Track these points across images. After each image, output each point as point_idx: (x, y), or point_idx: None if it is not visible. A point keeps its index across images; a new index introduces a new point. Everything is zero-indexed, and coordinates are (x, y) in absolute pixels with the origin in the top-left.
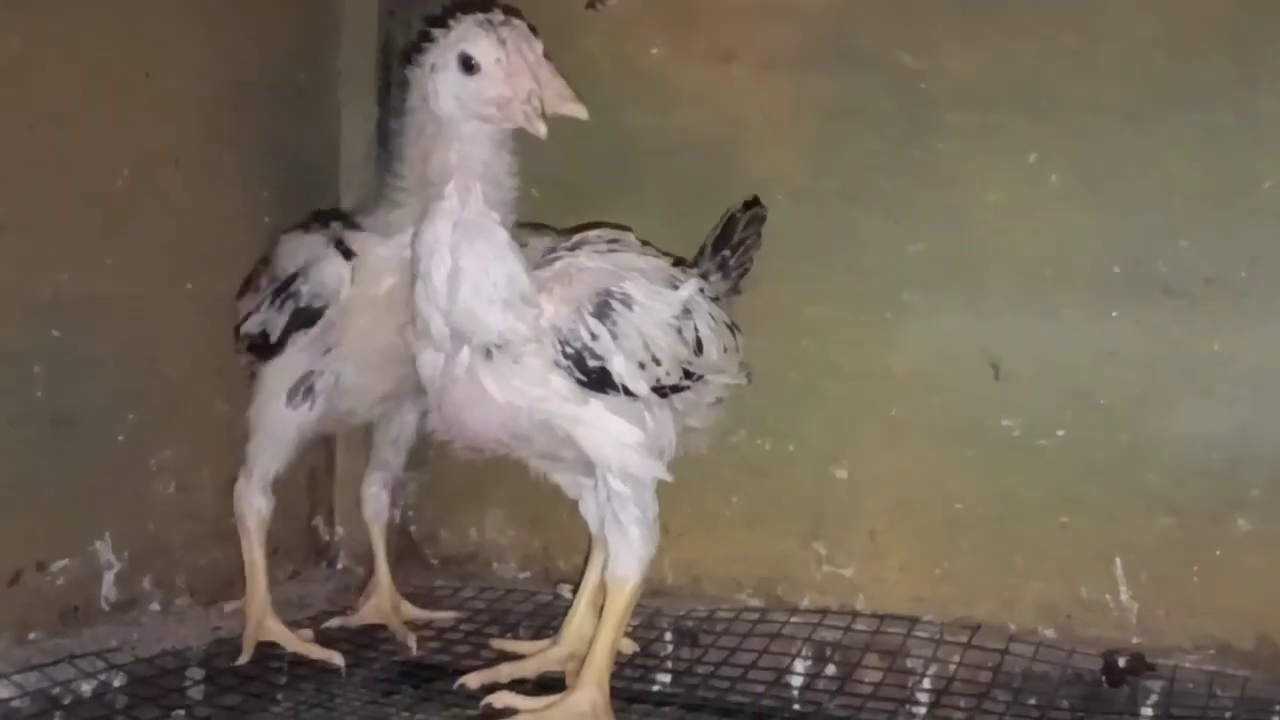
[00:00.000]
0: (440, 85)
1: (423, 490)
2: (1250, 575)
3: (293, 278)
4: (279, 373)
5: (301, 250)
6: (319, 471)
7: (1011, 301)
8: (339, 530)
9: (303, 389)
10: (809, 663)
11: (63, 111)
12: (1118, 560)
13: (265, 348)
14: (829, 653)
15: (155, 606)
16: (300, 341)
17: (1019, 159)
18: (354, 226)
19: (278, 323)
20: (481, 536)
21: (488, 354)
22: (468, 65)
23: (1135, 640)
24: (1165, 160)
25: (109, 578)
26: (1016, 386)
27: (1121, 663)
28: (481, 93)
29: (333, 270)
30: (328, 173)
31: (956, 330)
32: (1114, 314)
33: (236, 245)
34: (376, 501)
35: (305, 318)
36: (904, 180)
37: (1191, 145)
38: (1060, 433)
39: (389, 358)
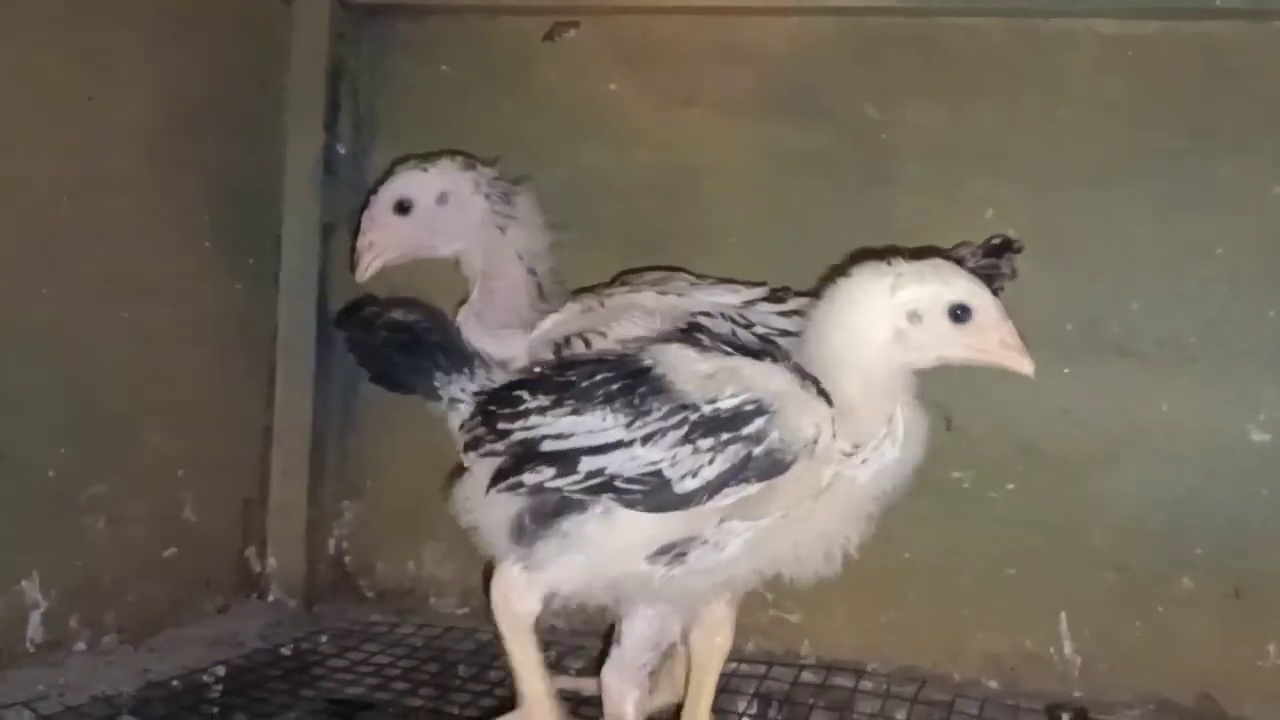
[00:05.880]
0: None
1: (359, 520)
2: (1192, 634)
3: (743, 414)
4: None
5: (759, 380)
6: (253, 501)
7: None
8: (271, 561)
9: (675, 552)
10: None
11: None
12: (1062, 615)
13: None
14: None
15: (82, 646)
16: (730, 496)
17: (977, 214)
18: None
19: (704, 470)
20: (420, 570)
21: None
22: None
23: (1078, 694)
24: (1121, 223)
25: (35, 617)
26: (968, 439)
27: (1065, 717)
28: None
29: (812, 419)
30: (271, 198)
31: None
32: (1066, 371)
33: (175, 272)
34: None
35: (760, 470)
36: (862, 231)
37: (1147, 209)
38: (1010, 486)
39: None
